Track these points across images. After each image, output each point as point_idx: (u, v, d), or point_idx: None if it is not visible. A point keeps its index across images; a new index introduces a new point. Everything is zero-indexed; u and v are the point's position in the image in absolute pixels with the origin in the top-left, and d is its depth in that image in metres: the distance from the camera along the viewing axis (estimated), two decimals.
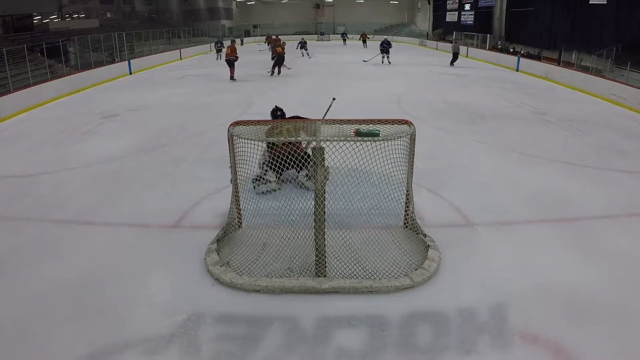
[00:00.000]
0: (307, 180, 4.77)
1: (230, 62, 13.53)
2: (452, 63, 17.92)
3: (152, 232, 4.24)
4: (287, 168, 3.83)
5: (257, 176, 4.76)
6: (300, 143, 4.11)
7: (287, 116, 5.30)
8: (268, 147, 4.02)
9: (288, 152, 3.77)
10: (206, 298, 3.23)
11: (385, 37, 22.49)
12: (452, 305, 3.11)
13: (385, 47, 18.29)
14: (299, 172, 4.79)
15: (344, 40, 31.55)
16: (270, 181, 4.81)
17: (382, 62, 18.29)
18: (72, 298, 3.23)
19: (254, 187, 4.80)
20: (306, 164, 4.01)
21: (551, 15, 18.37)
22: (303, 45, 21.31)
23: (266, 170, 4.63)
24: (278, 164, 3.73)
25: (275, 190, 4.78)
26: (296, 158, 3.72)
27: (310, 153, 3.24)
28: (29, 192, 5.25)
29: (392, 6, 37.92)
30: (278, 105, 5.56)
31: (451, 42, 23.56)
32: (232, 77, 13.49)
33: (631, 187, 5.33)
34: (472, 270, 3.56)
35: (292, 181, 4.94)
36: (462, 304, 3.13)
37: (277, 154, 3.82)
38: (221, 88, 12.46)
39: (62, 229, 4.33)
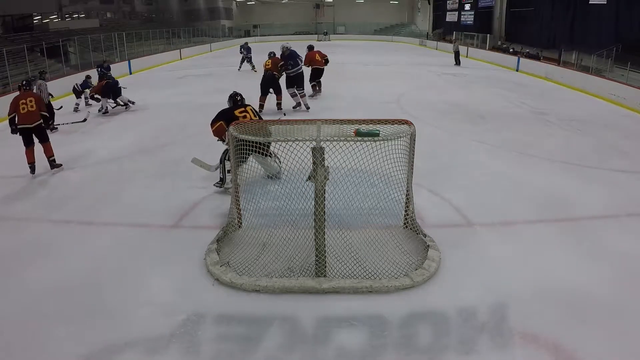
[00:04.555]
0: (273, 162, 4.52)
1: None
2: None
3: (152, 232, 4.25)
4: (253, 151, 3.66)
5: (220, 179, 4.94)
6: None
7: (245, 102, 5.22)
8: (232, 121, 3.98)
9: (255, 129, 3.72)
10: (206, 298, 3.23)
11: None
12: (452, 305, 3.11)
13: None
14: (265, 156, 4.22)
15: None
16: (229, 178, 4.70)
17: None
18: (72, 298, 3.23)
19: (225, 188, 4.91)
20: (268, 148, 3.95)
21: (551, 15, 18.35)
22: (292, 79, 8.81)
23: (229, 170, 4.56)
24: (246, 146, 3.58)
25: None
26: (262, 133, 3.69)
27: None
28: (29, 192, 5.26)
29: (392, 6, 37.91)
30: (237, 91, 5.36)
31: (451, 42, 23.34)
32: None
33: (631, 187, 5.33)
34: (472, 270, 3.56)
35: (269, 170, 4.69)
36: (462, 304, 3.13)
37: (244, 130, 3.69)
38: (221, 88, 12.42)
39: (62, 229, 4.33)
